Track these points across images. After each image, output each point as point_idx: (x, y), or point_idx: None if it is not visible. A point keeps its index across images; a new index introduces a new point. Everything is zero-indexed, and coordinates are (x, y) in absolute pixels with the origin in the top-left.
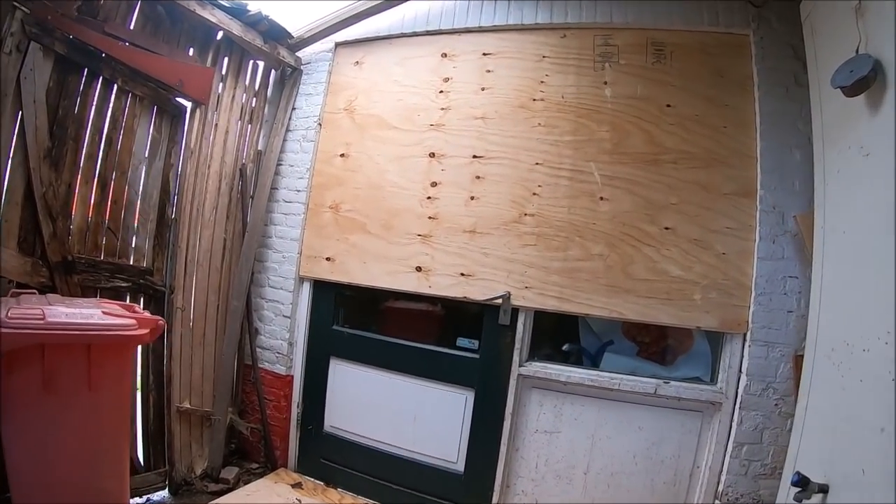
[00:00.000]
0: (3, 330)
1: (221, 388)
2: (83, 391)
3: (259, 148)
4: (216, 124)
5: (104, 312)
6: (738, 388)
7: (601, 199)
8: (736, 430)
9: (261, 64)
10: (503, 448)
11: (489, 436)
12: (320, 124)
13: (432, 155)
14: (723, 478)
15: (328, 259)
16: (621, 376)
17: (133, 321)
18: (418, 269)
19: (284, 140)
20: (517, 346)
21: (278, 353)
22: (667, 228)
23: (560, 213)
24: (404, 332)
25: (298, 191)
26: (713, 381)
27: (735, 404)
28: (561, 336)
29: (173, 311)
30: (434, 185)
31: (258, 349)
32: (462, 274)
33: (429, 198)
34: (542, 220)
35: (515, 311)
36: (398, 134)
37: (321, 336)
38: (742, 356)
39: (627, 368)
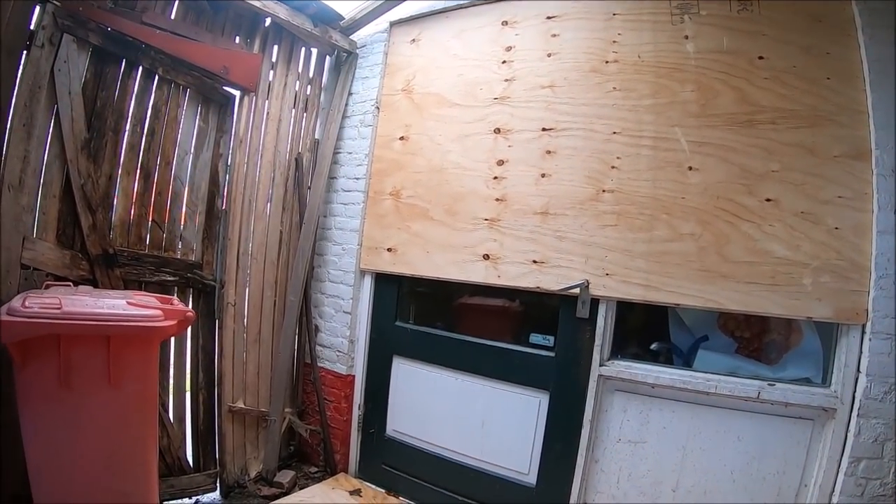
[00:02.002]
0: (17, 319)
1: (278, 387)
2: (103, 386)
3: (316, 137)
4: (268, 113)
5: (129, 303)
6: (855, 390)
7: (689, 169)
8: (852, 441)
9: (314, 50)
10: (580, 459)
11: (565, 445)
12: (378, 108)
13: (497, 131)
14: (834, 500)
15: (389, 250)
16: (718, 377)
17: (159, 312)
18: (486, 256)
19: (341, 127)
20: (597, 342)
21: (339, 351)
22: (768, 200)
23: (643, 188)
24: (472, 328)
25: (357, 178)
26: (825, 382)
27: (852, 410)
28: (648, 332)
29: (224, 306)
30: (500, 163)
31: (318, 347)
32: (534, 261)
33: (495, 178)
34: (622, 196)
35: (595, 303)
36: (459, 111)
37: (383, 333)
38: (861, 352)
39: (725, 368)
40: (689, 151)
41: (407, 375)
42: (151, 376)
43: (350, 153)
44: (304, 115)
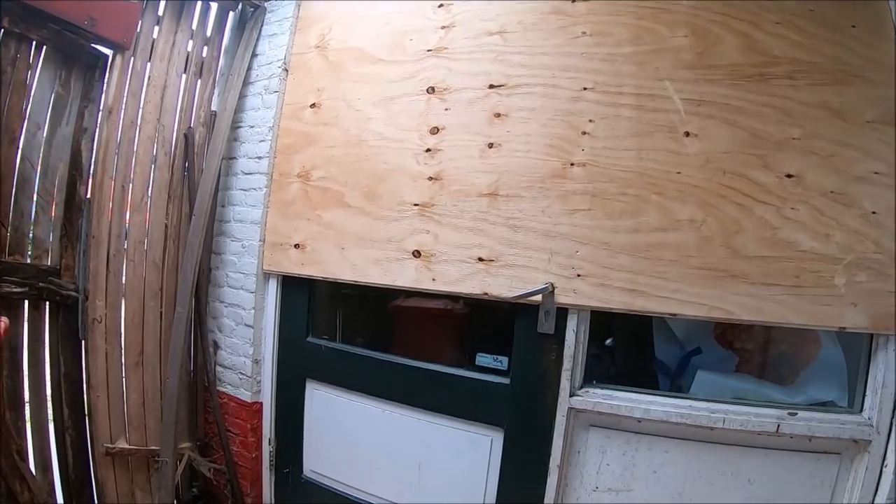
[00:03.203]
0: None
1: (169, 419)
2: None
3: (214, 109)
4: (149, 77)
5: None
6: (893, 417)
7: (686, 135)
8: (891, 480)
9: (214, 4)
10: None
11: (526, 496)
12: (286, 70)
13: (431, 90)
14: None
15: (297, 246)
16: (725, 407)
17: None
18: (416, 253)
19: (243, 96)
20: (566, 365)
21: (242, 373)
22: (789, 176)
23: (625, 160)
24: (404, 345)
25: (259, 158)
26: (853, 405)
27: (889, 441)
28: (632, 345)
29: (90, 322)
30: (434, 131)
31: (219, 368)
32: (480, 259)
33: (427, 150)
34: (596, 171)
35: (563, 313)
36: (384, 68)
37: (294, 351)
38: None
39: (729, 392)
40: (686, 112)
41: (324, 404)
42: None
43: (252, 127)
44: (199, 81)
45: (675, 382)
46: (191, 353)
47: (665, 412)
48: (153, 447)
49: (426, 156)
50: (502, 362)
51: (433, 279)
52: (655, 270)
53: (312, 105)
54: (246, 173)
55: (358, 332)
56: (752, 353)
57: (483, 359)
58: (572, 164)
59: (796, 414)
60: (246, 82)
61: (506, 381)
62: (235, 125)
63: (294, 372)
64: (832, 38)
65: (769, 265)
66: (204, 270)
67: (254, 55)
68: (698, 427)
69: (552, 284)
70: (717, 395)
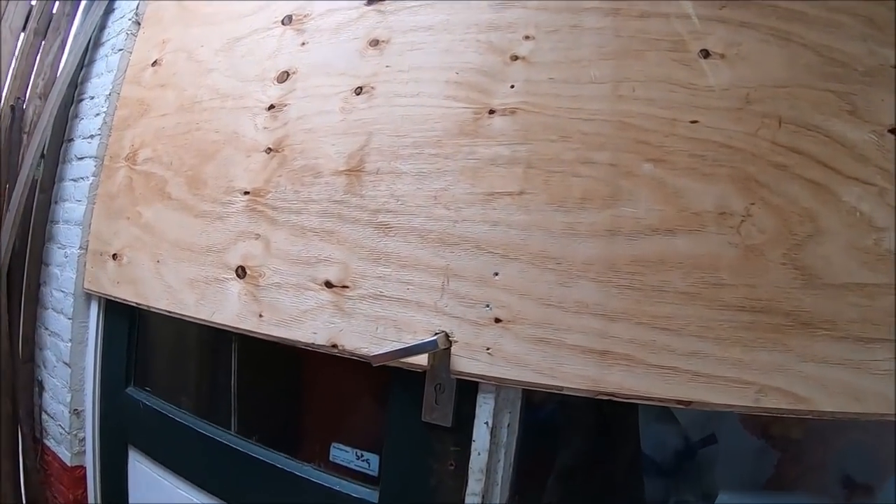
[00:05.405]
0: None
1: None
2: None
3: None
4: None
5: None
6: None
7: (705, 55)
8: None
9: None
10: None
11: None
12: (138, 22)
13: (287, 20)
14: None
15: (114, 257)
16: None
17: None
18: (240, 272)
19: (92, 61)
20: (473, 482)
21: (62, 426)
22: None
23: (589, 100)
24: (247, 410)
25: (91, 137)
26: None
27: None
28: (597, 433)
29: None
30: (284, 77)
31: (45, 415)
32: (328, 284)
33: (271, 108)
34: (536, 121)
35: (470, 391)
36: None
37: (115, 405)
38: None
39: None
40: (700, 18)
41: (149, 486)
42: None
43: (92, 98)
44: (42, 42)
45: (668, 484)
46: (11, 392)
47: None
48: None
49: (267, 116)
50: (370, 462)
51: (260, 314)
52: (651, 313)
53: (154, 63)
54: (78, 158)
55: (195, 385)
56: (802, 446)
57: (340, 452)
58: (492, 112)
59: None
60: (97, 43)
61: (373, 494)
62: (80, 98)
63: (116, 434)
64: None
65: (872, 301)
66: (32, 285)
67: (109, 11)
68: None
69: (447, 335)
70: None
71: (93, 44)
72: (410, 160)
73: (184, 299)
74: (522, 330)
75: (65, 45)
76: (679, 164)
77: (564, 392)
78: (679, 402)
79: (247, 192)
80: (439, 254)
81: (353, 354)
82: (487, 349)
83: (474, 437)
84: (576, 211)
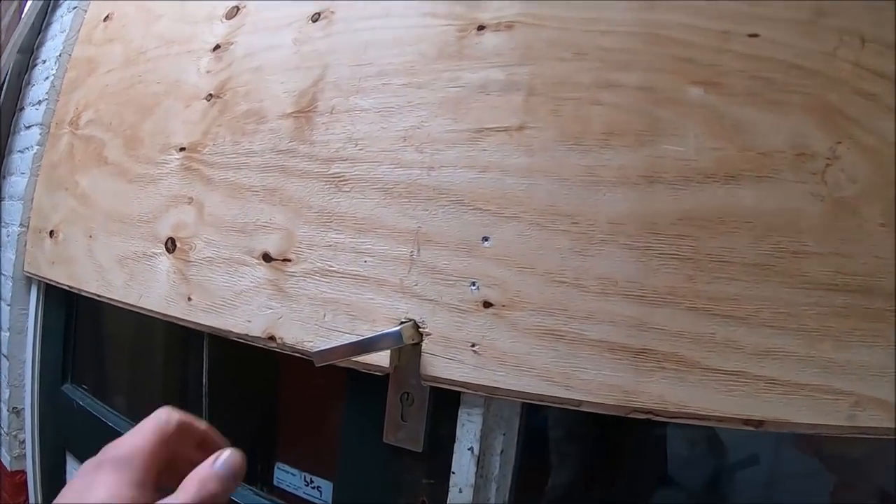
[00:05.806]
0: None
1: None
2: None
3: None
4: None
5: None
6: None
7: None
8: None
9: None
10: None
11: None
12: None
13: None
14: None
15: (51, 234)
16: None
17: None
18: (170, 244)
19: (51, 22)
20: None
21: (2, 427)
22: None
23: (609, 6)
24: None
25: (39, 102)
26: None
27: None
28: (614, 454)
29: None
30: (233, 13)
31: None
32: (266, 256)
33: (216, 48)
34: (542, 33)
35: (449, 403)
36: None
37: (52, 404)
38: None
39: None
40: None
41: None
42: None
43: (45, 62)
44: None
45: None
46: None
47: None
48: None
49: (212, 58)
50: (321, 490)
51: (189, 297)
52: (708, 294)
53: (106, 17)
54: (26, 127)
55: (129, 384)
56: (864, 466)
57: (286, 476)
58: (481, 29)
59: None
60: (56, 5)
61: None
62: (33, 64)
63: (53, 437)
64: None
65: None
66: None
67: None
68: None
69: (416, 325)
70: None
71: (51, 7)
72: (374, 93)
73: (112, 280)
74: (523, 318)
75: (22, 9)
76: (737, 88)
77: (583, 408)
78: (747, 421)
79: (182, 149)
80: (408, 212)
81: (296, 350)
82: (473, 346)
83: (454, 467)
84: (597, 150)
